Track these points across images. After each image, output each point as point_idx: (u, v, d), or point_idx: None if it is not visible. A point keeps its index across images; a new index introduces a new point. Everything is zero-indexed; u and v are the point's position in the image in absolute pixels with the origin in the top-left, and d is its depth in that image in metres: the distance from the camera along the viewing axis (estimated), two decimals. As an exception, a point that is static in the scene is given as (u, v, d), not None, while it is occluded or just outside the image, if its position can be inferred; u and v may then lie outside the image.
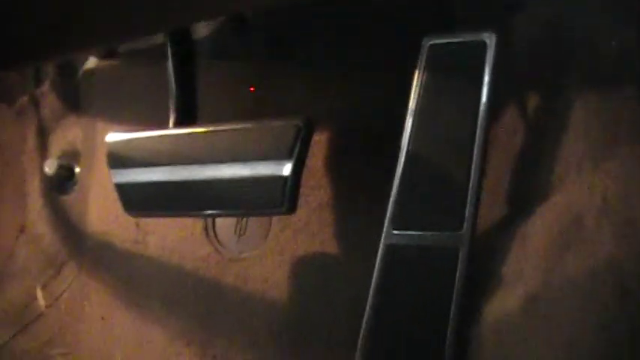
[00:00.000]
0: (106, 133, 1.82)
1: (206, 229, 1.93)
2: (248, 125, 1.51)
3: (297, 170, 1.42)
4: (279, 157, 1.43)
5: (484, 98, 1.38)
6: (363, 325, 1.42)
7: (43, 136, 2.39)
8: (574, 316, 1.22)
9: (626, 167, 1.26)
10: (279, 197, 1.43)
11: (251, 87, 1.84)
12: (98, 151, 2.13)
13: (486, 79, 1.39)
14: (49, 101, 2.39)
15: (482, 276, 1.42)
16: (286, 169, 1.42)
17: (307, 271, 1.77)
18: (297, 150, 1.42)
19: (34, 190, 2.34)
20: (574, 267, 1.25)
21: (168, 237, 1.98)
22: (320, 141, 1.78)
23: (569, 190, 1.34)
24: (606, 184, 1.27)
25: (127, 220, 2.03)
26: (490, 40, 1.40)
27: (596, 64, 1.41)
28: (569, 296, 1.24)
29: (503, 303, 1.35)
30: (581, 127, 1.38)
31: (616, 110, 1.34)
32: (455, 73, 1.42)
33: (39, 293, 2.17)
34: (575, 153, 1.37)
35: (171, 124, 1.67)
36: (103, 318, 2.05)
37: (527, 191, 1.44)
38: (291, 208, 1.45)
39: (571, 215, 1.30)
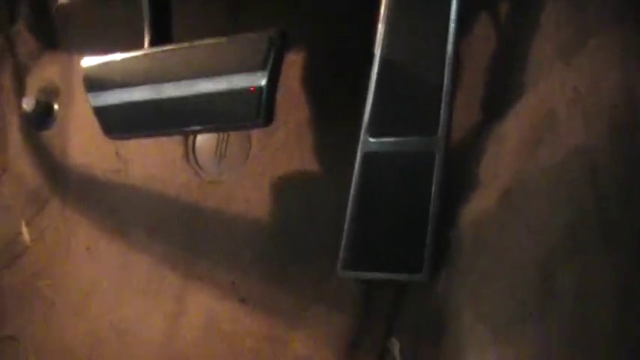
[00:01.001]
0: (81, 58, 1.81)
1: (186, 154, 1.95)
2: (222, 40, 1.51)
3: (271, 81, 1.43)
4: (254, 68, 1.43)
5: (455, 6, 1.39)
6: (344, 233, 1.45)
7: (20, 74, 2.38)
8: (547, 200, 1.25)
9: (595, 59, 1.28)
10: (256, 108, 1.44)
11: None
12: (76, 86, 2.13)
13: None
14: (25, 39, 2.37)
15: (460, 179, 1.44)
16: (261, 79, 1.43)
17: (288, 189, 1.80)
18: (270, 60, 1.42)
19: (13, 128, 2.33)
20: (547, 157, 1.28)
21: (149, 164, 1.99)
22: (296, 61, 1.79)
23: (542, 89, 1.36)
24: (576, 76, 1.29)
25: (108, 151, 2.04)
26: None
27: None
28: (542, 183, 1.27)
29: (480, 202, 1.39)
30: (552, 25, 1.39)
31: (585, 6, 1.35)
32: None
33: (24, 228, 2.19)
34: (546, 52, 1.39)
35: (146, 44, 1.67)
36: (88, 248, 2.07)
37: (501, 95, 1.46)
38: (268, 120, 1.46)
39: (544, 111, 1.33)
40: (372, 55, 1.47)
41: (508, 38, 1.49)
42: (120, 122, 1.65)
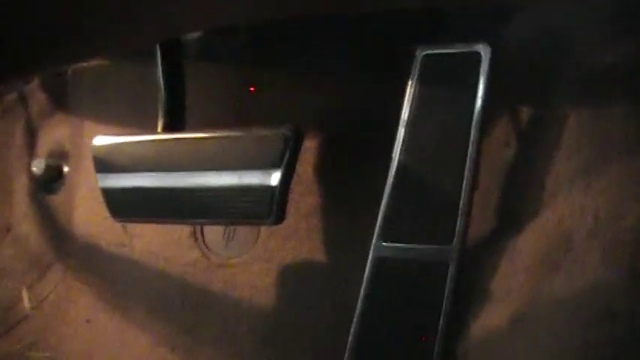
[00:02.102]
0: (94, 133, 1.79)
1: (194, 233, 1.91)
2: (236, 133, 1.49)
3: (285, 180, 1.40)
4: (268, 166, 1.41)
5: (477, 110, 1.37)
6: (351, 337, 1.41)
7: (31, 134, 2.36)
8: (559, 337, 1.20)
9: (618, 186, 1.25)
10: (267, 208, 1.40)
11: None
12: (86, 151, 2.10)
13: (480, 91, 1.38)
14: (38, 99, 2.36)
15: (470, 290, 1.40)
16: (274, 178, 1.40)
17: (295, 278, 1.75)
18: (285, 160, 1.40)
19: (21, 189, 2.31)
20: (561, 288, 1.23)
21: (156, 241, 1.95)
22: (310, 147, 1.76)
23: (560, 208, 1.32)
24: (597, 203, 1.26)
25: (114, 223, 1.99)
26: (484, 51, 1.38)
27: (589, 78, 1.39)
28: (555, 317, 1.22)
29: (490, 320, 1.34)
30: (573, 142, 1.36)
31: (608, 126, 1.32)
32: (448, 84, 1.41)
33: (24, 295, 2.14)
34: (566, 169, 1.35)
35: (159, 128, 1.64)
36: (88, 321, 2.03)
37: (517, 205, 1.42)
38: (279, 219, 1.43)
39: (561, 234, 1.28)
40: (387, 145, 1.43)
41: (528, 147, 1.46)
42: (127, 206, 1.62)
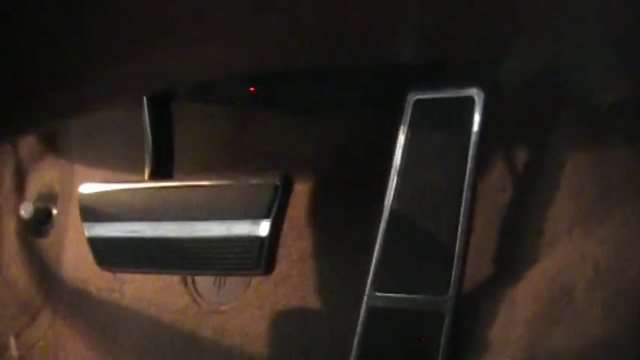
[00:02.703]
0: (84, 176, 1.76)
1: (185, 279, 1.87)
2: (225, 182, 1.45)
3: (275, 230, 1.36)
4: (257, 216, 1.37)
5: (472, 155, 1.33)
6: (344, 390, 1.36)
7: (20, 176, 2.32)
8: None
9: (620, 234, 1.21)
10: (256, 259, 1.36)
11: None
12: (75, 194, 2.05)
13: (474, 136, 1.34)
14: (27, 142, 2.32)
15: (467, 340, 1.36)
16: (263, 229, 1.36)
17: (288, 325, 1.72)
18: (274, 209, 1.36)
19: (10, 232, 2.27)
20: (560, 343, 1.19)
21: (146, 286, 1.91)
22: (302, 191, 1.73)
23: (559, 257, 1.28)
24: (598, 252, 1.22)
25: (103, 269, 1.96)
26: (478, 96, 1.35)
27: (588, 120, 1.36)
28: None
29: (487, 376, 1.30)
30: (572, 186, 1.33)
31: (609, 169, 1.28)
32: (441, 129, 1.37)
33: (12, 342, 2.09)
34: (565, 215, 1.32)
35: (146, 175, 1.60)
36: (77, 369, 1.98)
37: (514, 253, 1.39)
38: (269, 270, 1.39)
39: (560, 285, 1.24)
40: (381, 188, 1.39)
41: (525, 192, 1.42)
42: (114, 255, 1.58)
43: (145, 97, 1.61)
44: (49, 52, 1.06)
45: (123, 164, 1.95)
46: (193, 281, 1.86)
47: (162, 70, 1.22)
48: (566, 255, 1.26)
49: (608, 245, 1.21)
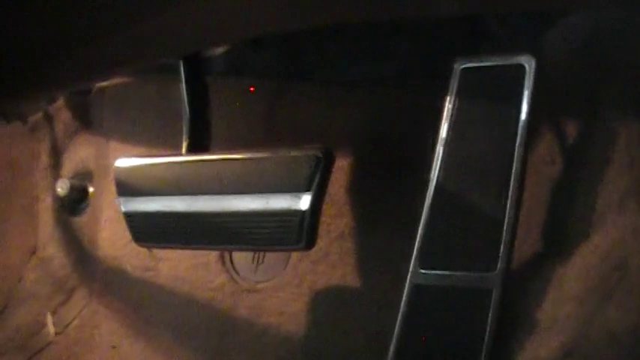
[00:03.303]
0: (119, 152, 1.73)
1: (222, 256, 1.84)
2: (264, 154, 1.41)
3: (315, 204, 1.32)
4: (297, 189, 1.33)
5: (522, 126, 1.28)
6: (387, 370, 1.31)
7: (56, 153, 2.30)
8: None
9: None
10: (297, 233, 1.32)
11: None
12: (111, 172, 2.04)
13: (525, 106, 1.28)
14: (63, 118, 2.31)
15: (515, 319, 1.31)
16: (304, 203, 1.32)
17: (326, 304, 1.68)
18: (316, 183, 1.32)
19: (46, 210, 2.25)
20: (614, 320, 1.13)
21: (182, 265, 1.89)
22: (342, 167, 1.68)
23: (612, 231, 1.23)
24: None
25: (139, 247, 1.93)
26: (528, 63, 1.29)
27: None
28: (609, 353, 1.12)
29: (537, 353, 1.24)
30: (624, 159, 1.27)
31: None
32: (490, 99, 1.32)
33: (49, 320, 2.08)
34: (617, 188, 1.26)
35: (183, 149, 1.57)
36: (113, 347, 1.97)
37: (564, 228, 1.33)
38: (310, 245, 1.35)
39: (614, 260, 1.19)
40: (425, 164, 1.34)
41: (576, 165, 1.36)
42: (150, 231, 1.55)
43: (181, 69, 1.57)
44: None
45: (157, 140, 1.93)
46: (231, 259, 1.83)
47: (195, 25, 1.18)
48: (619, 229, 1.21)
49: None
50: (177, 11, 1.07)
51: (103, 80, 2.03)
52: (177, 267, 1.90)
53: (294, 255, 1.73)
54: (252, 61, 1.92)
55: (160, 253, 1.93)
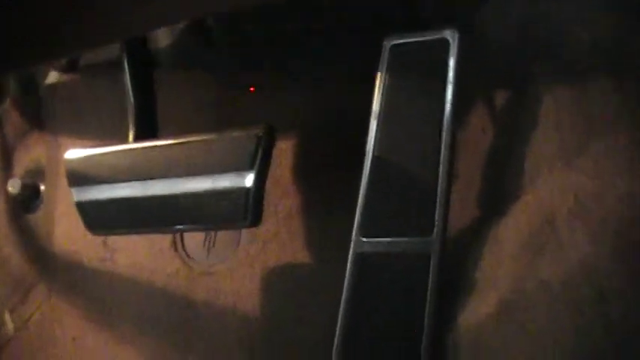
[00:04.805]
0: (70, 148, 1.76)
1: (175, 243, 1.88)
2: (208, 137, 1.46)
3: (259, 181, 1.37)
4: (241, 168, 1.38)
5: (449, 97, 1.35)
6: (337, 336, 1.38)
7: (7, 154, 2.32)
8: (549, 322, 1.18)
9: (598, 164, 1.23)
10: (243, 210, 1.38)
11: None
12: (62, 168, 2.07)
13: (450, 77, 1.35)
14: (12, 119, 2.33)
15: (456, 282, 1.38)
16: (248, 180, 1.37)
17: (279, 282, 1.73)
18: (258, 160, 1.37)
19: (0, 211, 2.27)
20: (547, 272, 1.21)
21: (137, 253, 1.93)
22: (286, 149, 1.74)
23: (541, 191, 1.30)
24: (578, 183, 1.24)
25: (95, 239, 1.97)
26: (453, 37, 1.36)
27: (568, 57, 1.37)
28: (544, 302, 1.20)
29: (478, 310, 1.32)
30: (553, 123, 1.34)
31: (589, 105, 1.30)
32: (418, 73, 1.39)
33: (7, 317, 2.11)
34: (546, 151, 1.33)
35: (130, 138, 1.61)
36: (74, 339, 2.00)
37: (498, 192, 1.40)
38: (256, 221, 1.40)
39: (543, 217, 1.26)
40: (363, 140, 1.41)
41: (506, 131, 1.44)
42: (103, 218, 1.59)
43: (125, 61, 1.61)
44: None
45: (107, 134, 1.96)
46: (183, 244, 1.87)
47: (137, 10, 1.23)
48: (547, 188, 1.28)
49: (587, 175, 1.23)
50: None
51: (45, 62, 2.04)
52: (133, 256, 1.94)
53: (244, 237, 1.79)
54: (199, 52, 1.97)
55: (116, 243, 1.97)
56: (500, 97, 1.45)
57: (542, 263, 1.23)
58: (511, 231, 1.32)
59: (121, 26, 1.35)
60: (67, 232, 2.08)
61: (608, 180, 1.20)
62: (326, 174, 1.70)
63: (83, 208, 1.60)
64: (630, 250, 1.13)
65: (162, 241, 1.89)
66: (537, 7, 1.40)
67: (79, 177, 1.60)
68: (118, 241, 1.97)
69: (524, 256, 1.26)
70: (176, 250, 1.87)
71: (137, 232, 1.67)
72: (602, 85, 1.29)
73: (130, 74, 1.62)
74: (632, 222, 1.14)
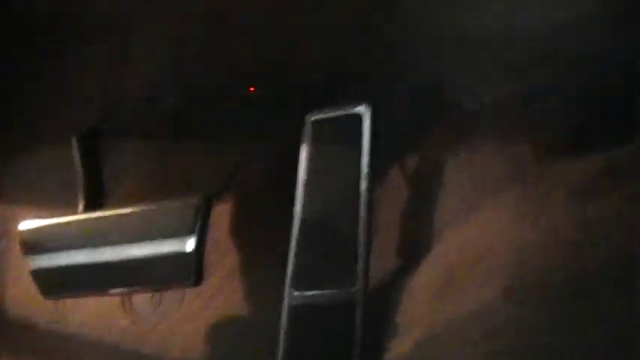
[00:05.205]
0: (19, 216, 1.88)
1: (123, 302, 1.99)
2: (152, 207, 1.62)
3: (200, 245, 1.53)
4: (183, 234, 1.53)
5: (364, 164, 1.53)
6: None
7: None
8: (454, 356, 1.36)
9: (490, 220, 1.43)
10: (186, 271, 1.53)
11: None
12: (12, 234, 2.17)
13: (365, 146, 1.54)
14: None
15: (379, 325, 1.54)
16: (189, 244, 1.53)
17: (221, 336, 1.85)
18: (198, 227, 1.53)
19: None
20: (452, 313, 1.40)
21: (87, 313, 2.03)
22: (224, 211, 1.88)
23: (446, 243, 1.49)
24: (473, 236, 1.43)
25: (46, 301, 2.07)
26: (365, 112, 1.55)
27: (463, 126, 1.57)
28: (450, 339, 1.38)
29: (397, 350, 1.48)
30: (455, 184, 1.54)
31: (482, 167, 1.50)
32: (337, 144, 1.57)
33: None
34: (449, 208, 1.53)
35: (80, 208, 1.76)
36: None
37: (412, 245, 1.58)
38: (198, 280, 1.56)
39: (448, 266, 1.45)
40: (292, 202, 1.59)
41: (417, 192, 1.62)
42: (56, 284, 1.72)
43: (74, 141, 1.76)
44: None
45: (58, 203, 2.07)
46: (131, 303, 1.99)
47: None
48: (450, 241, 1.47)
49: (481, 229, 1.43)
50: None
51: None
52: (84, 315, 2.04)
53: (188, 294, 1.91)
54: (142, 121, 2.11)
55: (66, 305, 2.07)
56: (412, 162, 1.64)
57: (448, 306, 1.41)
58: (423, 279, 1.50)
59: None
60: (20, 296, 2.16)
61: (496, 232, 1.40)
62: (261, 233, 1.84)
63: (37, 275, 1.73)
64: (513, 294, 1.33)
65: (111, 300, 2.00)
66: (440, 83, 1.60)
67: (33, 246, 1.73)
68: (68, 302, 2.06)
69: (434, 301, 1.45)
70: (125, 309, 1.99)
71: (89, 295, 1.80)
72: (492, 149, 1.49)
73: (79, 152, 1.76)
74: (518, 267, 1.34)
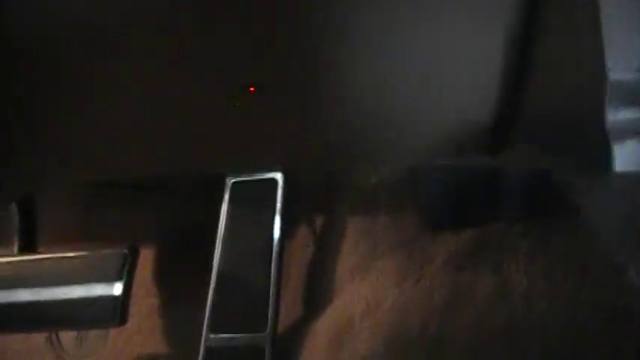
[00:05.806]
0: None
1: (50, 338, 2.13)
2: (83, 253, 1.78)
3: (126, 289, 1.70)
4: (111, 279, 1.70)
5: (277, 223, 1.73)
6: None
7: None
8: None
9: (382, 277, 1.65)
10: (112, 314, 1.69)
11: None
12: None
13: (278, 208, 1.74)
14: None
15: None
16: (117, 289, 1.69)
17: (143, 372, 2.02)
18: (125, 273, 1.70)
19: None
20: (347, 358, 1.60)
21: (14, 349, 2.15)
22: (148, 255, 2.06)
23: (345, 296, 1.70)
24: (367, 292, 1.65)
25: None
26: (279, 177, 1.76)
27: (360, 193, 1.80)
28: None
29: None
30: (353, 244, 1.75)
31: (376, 232, 1.72)
32: (253, 204, 1.77)
33: None
34: (349, 265, 1.74)
35: (15, 251, 1.91)
36: None
37: (316, 295, 1.79)
38: (123, 321, 1.71)
39: (345, 318, 1.66)
40: (210, 252, 1.77)
41: (322, 248, 1.84)
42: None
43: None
44: None
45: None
46: (58, 338, 2.13)
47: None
48: (349, 294, 1.69)
49: (373, 286, 1.65)
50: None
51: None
52: (8, 352, 2.16)
53: (112, 332, 2.09)
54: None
55: (-6, 339, 2.21)
56: (319, 221, 1.85)
57: (344, 352, 1.62)
58: (323, 328, 1.70)
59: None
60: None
61: (383, 291, 1.62)
62: (181, 277, 2.03)
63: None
64: (395, 348, 1.54)
65: (38, 336, 2.14)
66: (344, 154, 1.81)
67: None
68: (-5, 338, 2.20)
69: (331, 350, 1.65)
70: (51, 344, 2.13)
71: (19, 332, 1.94)
72: (384, 217, 1.72)
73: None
74: (399, 323, 1.56)
